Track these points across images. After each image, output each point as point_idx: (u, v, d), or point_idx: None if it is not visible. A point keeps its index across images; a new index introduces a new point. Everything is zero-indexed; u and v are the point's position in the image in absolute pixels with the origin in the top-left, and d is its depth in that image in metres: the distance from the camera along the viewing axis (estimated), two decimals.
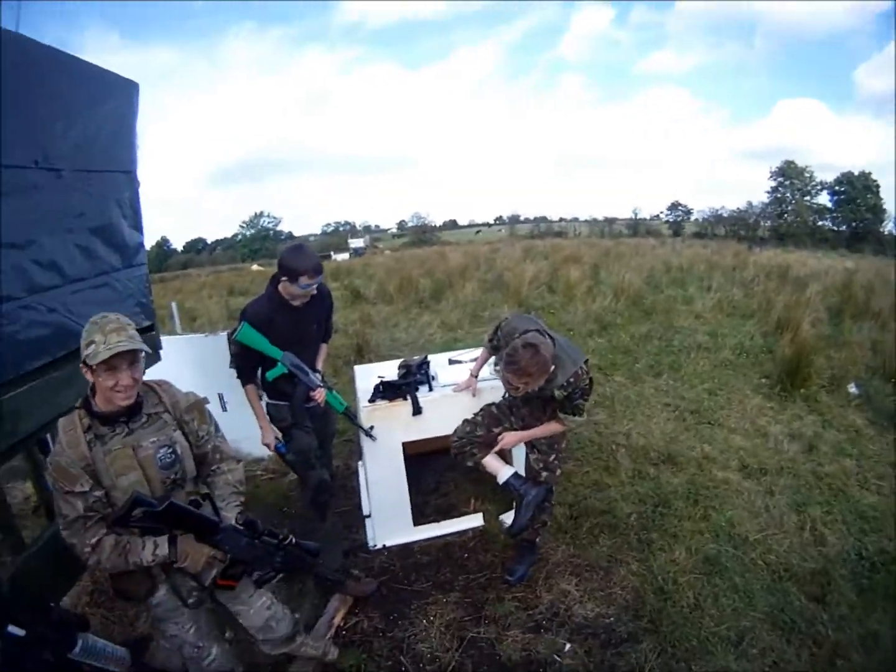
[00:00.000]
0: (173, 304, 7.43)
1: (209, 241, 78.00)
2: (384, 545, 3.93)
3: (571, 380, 2.99)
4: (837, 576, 3.57)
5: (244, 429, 4.19)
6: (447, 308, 9.88)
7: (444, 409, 3.67)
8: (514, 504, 3.45)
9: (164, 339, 4.14)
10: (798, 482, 4.54)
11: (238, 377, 3.30)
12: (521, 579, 3.56)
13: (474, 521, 4.11)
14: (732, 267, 12.14)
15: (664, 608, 3.34)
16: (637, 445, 5.09)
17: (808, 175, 55.22)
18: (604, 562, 3.73)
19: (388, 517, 3.91)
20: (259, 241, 71.51)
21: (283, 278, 2.99)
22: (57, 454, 1.93)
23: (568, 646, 3.13)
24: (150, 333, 3.45)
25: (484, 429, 3.37)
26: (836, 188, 53.47)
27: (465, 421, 3.43)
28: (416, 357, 4.14)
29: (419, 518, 4.06)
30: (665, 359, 7.04)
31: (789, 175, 55.52)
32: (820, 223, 53.65)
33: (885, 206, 51.04)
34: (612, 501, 4.29)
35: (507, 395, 3.41)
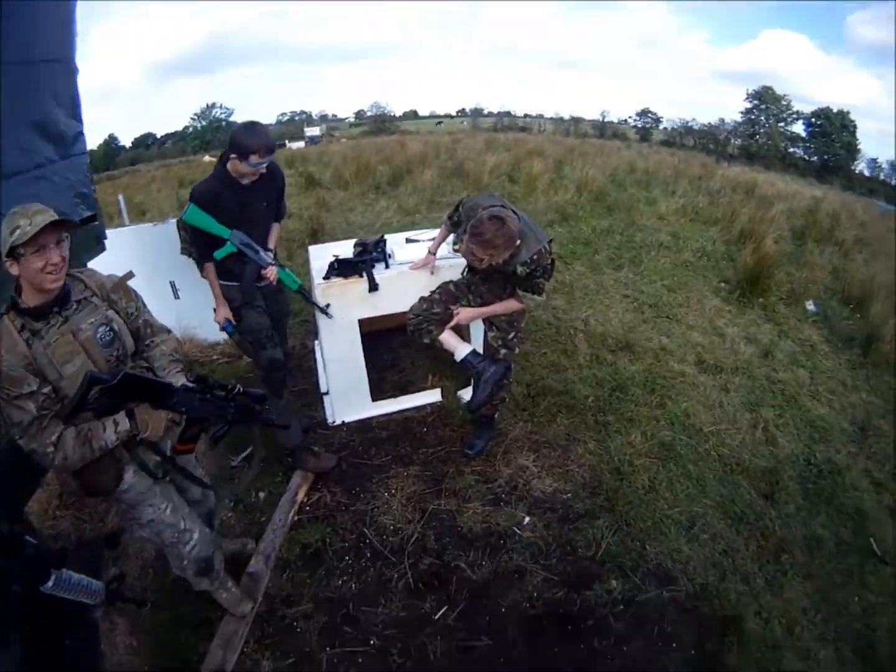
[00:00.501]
0: (120, 198, 6.86)
1: (158, 136, 72.72)
2: (343, 421, 3.87)
3: (535, 257, 2.86)
4: (786, 477, 3.61)
5: (198, 315, 4.27)
6: (405, 193, 9.41)
7: (401, 287, 3.53)
8: (472, 381, 3.34)
9: (112, 232, 4.07)
10: (752, 383, 4.52)
11: (195, 261, 3.14)
12: (479, 453, 3.50)
13: (432, 396, 4.05)
14: (699, 176, 11.88)
15: (620, 488, 3.31)
16: (595, 332, 4.95)
17: (784, 103, 54.33)
18: (561, 440, 3.66)
19: (346, 393, 3.84)
20: (211, 132, 66.74)
21: (233, 156, 2.81)
22: None
23: (527, 519, 3.11)
24: (92, 224, 3.30)
25: (441, 306, 3.23)
26: (813, 120, 52.80)
27: (422, 298, 3.29)
28: (372, 236, 3.92)
29: (377, 394, 3.96)
30: (626, 253, 6.81)
31: (766, 100, 54.57)
32: (791, 150, 53.40)
33: (859, 147, 51.14)
34: (570, 383, 4.18)
35: (465, 273, 3.31)
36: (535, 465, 3.45)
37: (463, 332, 3.52)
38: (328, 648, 2.53)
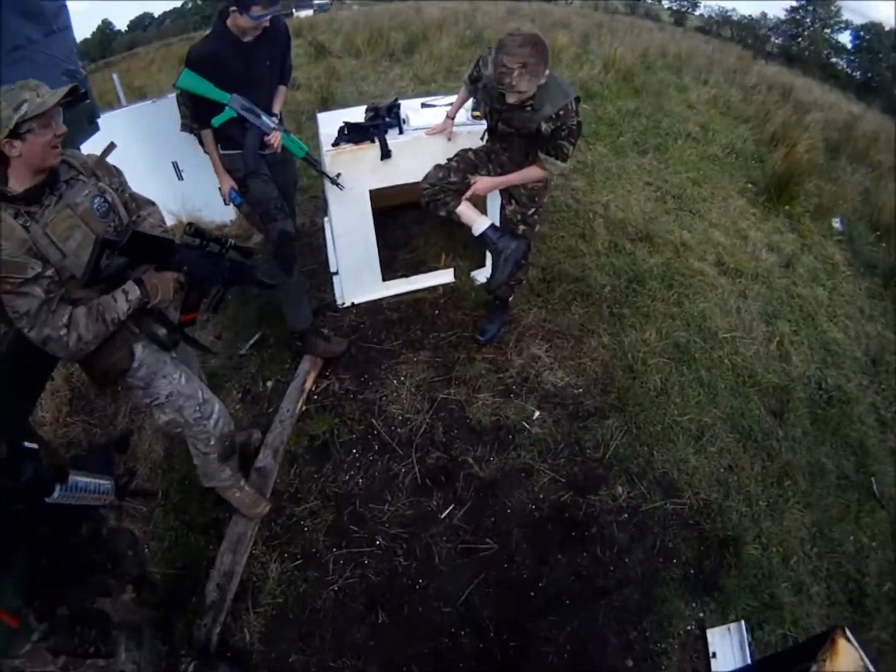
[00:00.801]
0: (115, 77, 6.26)
1: (156, 16, 67.17)
2: (353, 303, 3.68)
3: (561, 112, 2.51)
4: (796, 397, 3.47)
5: (202, 196, 4.19)
6: (420, 62, 8.72)
7: (416, 154, 3.19)
8: (491, 258, 3.02)
9: (109, 115, 3.94)
10: (771, 294, 4.29)
11: (191, 132, 3.02)
12: (491, 339, 3.32)
13: (445, 276, 3.80)
14: (734, 69, 11.05)
15: (632, 387, 3.14)
16: (615, 218, 4.61)
17: (834, 9, 51.33)
18: (575, 330, 3.46)
19: (356, 273, 3.59)
20: (212, 4, 61.71)
21: (233, 8, 2.55)
22: None
23: (537, 413, 2.99)
24: (84, 102, 3.02)
25: (459, 175, 2.88)
26: (861, 33, 50.06)
27: (438, 166, 2.92)
28: (384, 100, 3.52)
29: (388, 274, 3.73)
30: (651, 139, 6.35)
31: (813, 2, 51.66)
32: (834, 60, 50.88)
33: None
34: (587, 270, 3.91)
35: (485, 138, 2.99)
36: (548, 356, 3.26)
37: (480, 207, 3.17)
38: (334, 549, 2.48)
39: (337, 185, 3.08)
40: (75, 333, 1.73)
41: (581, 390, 3.11)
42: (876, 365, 4.12)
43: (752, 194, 5.71)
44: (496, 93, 2.54)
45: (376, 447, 2.82)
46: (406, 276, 3.76)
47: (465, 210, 2.90)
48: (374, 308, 3.61)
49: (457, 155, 2.93)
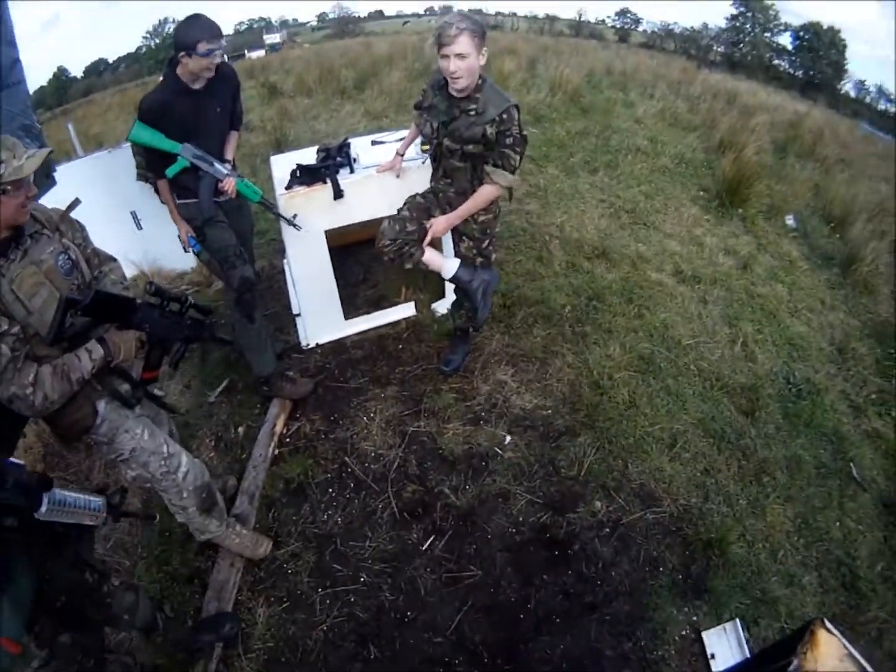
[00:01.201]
0: (69, 126, 6.27)
1: (111, 61, 67.79)
2: (317, 343, 3.67)
3: (504, 116, 2.56)
4: (766, 395, 3.51)
5: (162, 245, 4.12)
6: (371, 97, 8.86)
7: (368, 192, 3.27)
8: (463, 296, 3.09)
9: (66, 166, 4.01)
10: (731, 296, 4.36)
11: (147, 181, 3.07)
12: (456, 369, 3.33)
13: (406, 310, 3.82)
14: (678, 81, 11.38)
15: (600, 403, 3.16)
16: (571, 238, 4.68)
17: (772, 13, 52.62)
18: (539, 352, 3.48)
19: (318, 313, 3.61)
20: (165, 49, 62.03)
21: (181, 54, 2.58)
22: None
23: (508, 438, 3.00)
24: None
25: (414, 223, 2.90)
26: (801, 34, 51.34)
27: (392, 219, 2.92)
28: (335, 140, 3.58)
29: (350, 311, 3.74)
30: (601, 157, 6.48)
31: (752, 7, 52.89)
32: (776, 62, 52.10)
33: (847, 67, 49.89)
34: (546, 292, 3.95)
35: (433, 185, 3.01)
36: (514, 381, 3.28)
37: (437, 247, 3.20)
38: (320, 589, 2.46)
39: (294, 225, 3.09)
40: (41, 392, 1.70)
41: (550, 411, 3.11)
42: (842, 353, 4.20)
43: (705, 201, 5.83)
44: (442, 104, 2.65)
45: (352, 485, 2.81)
46: (368, 312, 3.77)
47: (431, 257, 2.95)
48: (338, 347, 3.61)
49: (406, 203, 2.95)
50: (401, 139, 3.30)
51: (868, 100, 48.48)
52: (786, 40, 51.83)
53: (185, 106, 2.65)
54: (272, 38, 56.18)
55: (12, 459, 1.57)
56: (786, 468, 3.09)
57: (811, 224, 6.03)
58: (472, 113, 2.57)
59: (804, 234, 5.75)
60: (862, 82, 49.76)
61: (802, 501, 2.97)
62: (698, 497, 2.81)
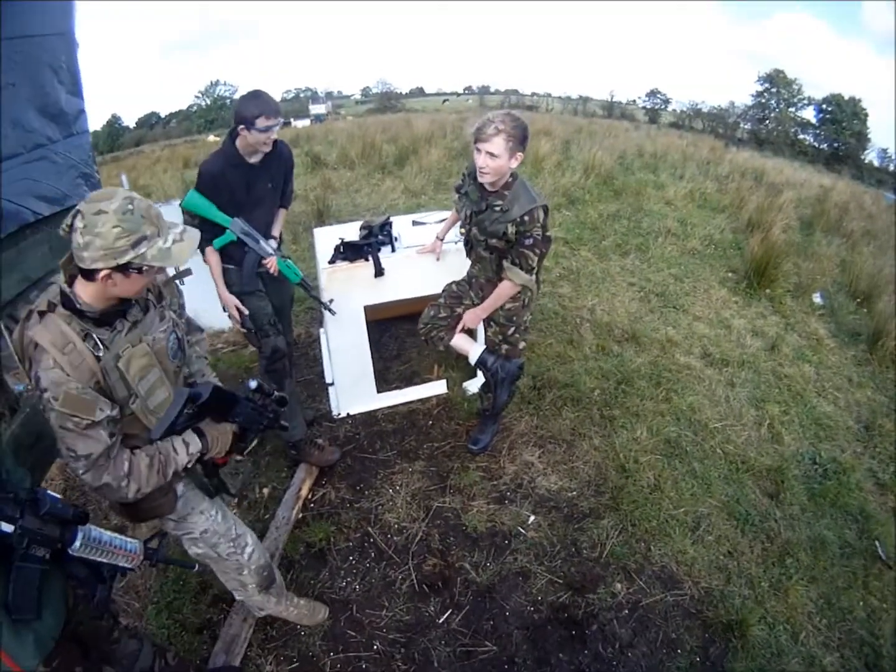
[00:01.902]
0: (123, 176, 6.68)
1: (163, 115, 71.93)
2: (348, 413, 3.80)
3: (526, 217, 2.68)
4: (791, 476, 3.57)
5: (203, 300, 4.08)
6: (411, 174, 9.22)
7: (407, 271, 3.46)
8: (487, 382, 3.27)
9: None
10: (758, 378, 4.47)
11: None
12: (484, 449, 3.45)
13: (438, 388, 3.97)
14: (707, 161, 11.73)
15: (625, 486, 3.27)
16: (601, 321, 4.89)
17: (796, 87, 53.54)
18: (567, 435, 3.62)
19: (351, 384, 3.73)
20: (215, 110, 65.91)
21: (240, 127, 2.69)
22: (59, 383, 1.45)
23: (532, 518, 3.09)
24: None
25: (447, 310, 3.19)
26: (824, 106, 52.01)
27: (430, 305, 3.23)
28: (378, 218, 3.80)
29: (382, 385, 3.91)
30: (633, 240, 6.74)
31: (777, 83, 53.83)
32: (801, 136, 52.73)
33: (869, 136, 50.27)
34: (576, 375, 4.12)
35: (469, 270, 3.20)
36: (541, 462, 3.42)
37: (473, 335, 3.48)
38: (331, 654, 2.49)
39: (329, 310, 3.27)
40: (135, 485, 1.59)
41: (575, 493, 3.23)
42: (869, 430, 4.22)
43: (733, 283, 6.00)
44: (474, 194, 2.81)
45: (373, 554, 2.90)
46: (400, 387, 3.93)
47: (459, 342, 3.21)
48: (369, 419, 3.75)
49: (443, 290, 3.23)
50: (441, 220, 3.53)
51: (892, 167, 48.38)
52: (810, 114, 52.84)
53: (238, 178, 2.79)
54: (317, 109, 58.52)
55: (49, 492, 1.54)
56: (810, 549, 3.13)
57: (838, 300, 6.13)
58: (498, 209, 2.72)
59: (831, 311, 5.85)
60: (885, 150, 49.88)
61: (826, 582, 2.99)
62: (720, 580, 2.86)
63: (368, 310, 3.52)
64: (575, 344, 4.52)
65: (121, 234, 1.42)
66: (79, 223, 1.41)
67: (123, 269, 1.47)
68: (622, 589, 2.76)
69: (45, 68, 2.81)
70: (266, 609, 2.36)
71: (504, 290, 2.94)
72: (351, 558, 2.89)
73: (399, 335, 4.50)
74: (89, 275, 1.47)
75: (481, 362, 3.14)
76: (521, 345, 3.21)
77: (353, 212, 7.55)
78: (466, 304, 3.17)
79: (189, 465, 1.74)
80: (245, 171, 2.81)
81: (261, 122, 2.64)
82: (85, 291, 1.52)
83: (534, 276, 2.88)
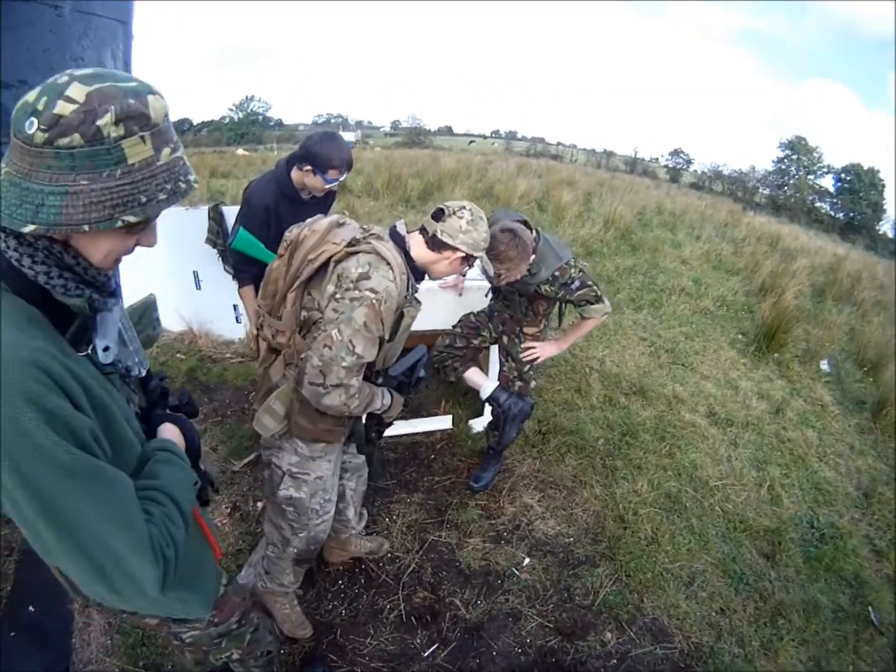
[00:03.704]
0: None
1: (195, 123, 73.61)
2: None
3: (556, 273, 2.80)
4: (788, 538, 3.59)
5: (217, 309, 4.25)
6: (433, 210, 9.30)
7: (428, 305, 3.38)
8: (495, 417, 3.31)
9: None
10: (761, 440, 4.52)
11: (214, 247, 3.25)
12: (485, 487, 3.48)
13: (443, 422, 4.01)
14: (725, 223, 11.92)
15: (623, 537, 3.30)
16: (610, 373, 4.97)
17: (816, 155, 54.42)
18: (568, 481, 3.66)
19: None
20: (247, 125, 67.95)
21: (307, 166, 2.66)
22: (391, 294, 1.75)
23: (527, 560, 3.10)
24: None
25: (463, 340, 3.27)
26: (842, 175, 52.87)
27: (445, 334, 3.32)
28: None
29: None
30: (647, 295, 6.86)
31: (798, 150, 54.70)
32: (818, 204, 53.23)
33: (885, 207, 50.73)
34: (581, 423, 4.18)
35: (489, 296, 3.30)
36: (540, 506, 3.46)
37: (481, 365, 3.53)
38: None
39: None
40: (357, 402, 1.78)
41: (572, 539, 3.26)
42: (868, 497, 4.24)
43: (743, 345, 6.09)
44: None
45: (363, 581, 2.88)
46: (405, 418, 3.90)
47: (472, 375, 3.28)
48: None
49: (460, 320, 3.30)
50: None
51: None
52: (828, 182, 53.38)
53: (288, 211, 2.73)
54: (347, 136, 59.40)
55: None
56: (803, 611, 3.13)
57: (844, 368, 6.19)
58: (527, 274, 2.78)
59: (837, 379, 5.90)
60: None
61: (817, 644, 2.99)
62: (711, 636, 2.87)
63: None
64: (583, 392, 4.60)
65: (486, 239, 2.01)
66: (468, 216, 1.95)
67: (466, 259, 2.00)
68: (612, 638, 2.77)
69: (107, 51, 2.83)
70: (274, 582, 2.38)
71: (589, 325, 3.13)
72: (340, 582, 2.89)
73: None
74: (440, 246, 1.95)
75: (494, 398, 3.20)
76: (533, 384, 3.32)
77: None
78: (484, 335, 3.26)
79: (379, 411, 2.00)
80: (295, 204, 2.78)
81: (332, 175, 2.65)
82: (418, 248, 1.98)
83: (607, 300, 2.96)
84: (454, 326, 3.31)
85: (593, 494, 3.58)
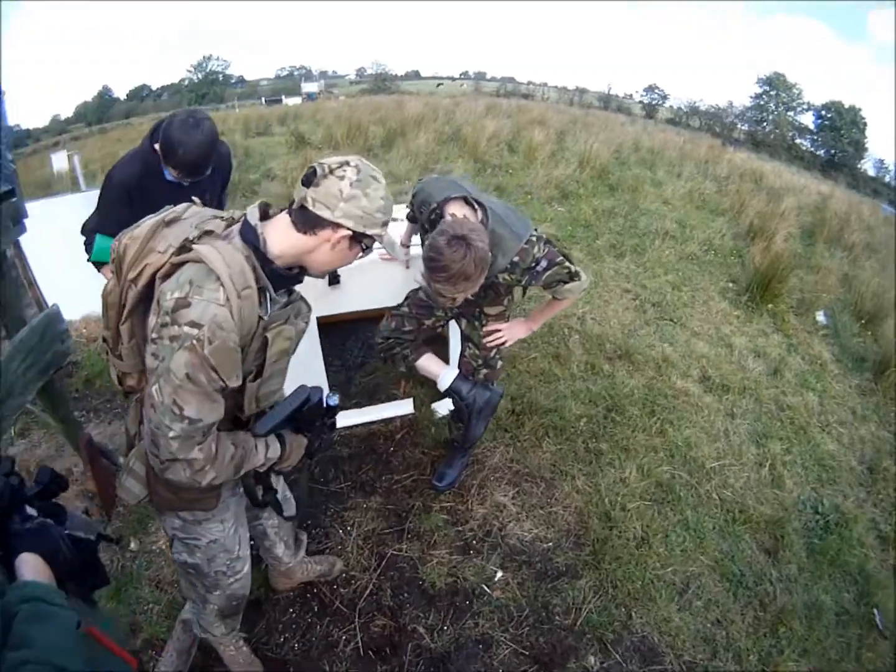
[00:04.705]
0: (76, 159, 6.20)
1: (154, 88, 70.76)
2: None
3: (516, 259, 2.21)
4: (791, 529, 3.22)
5: None
6: (397, 158, 8.73)
7: (369, 280, 2.92)
8: (458, 409, 2.76)
9: (64, 198, 3.84)
10: (760, 408, 4.10)
11: None
12: (450, 486, 2.99)
13: (404, 407, 3.47)
14: (706, 160, 11.28)
15: (609, 539, 2.87)
16: (592, 333, 4.46)
17: (795, 92, 53.92)
18: (546, 472, 3.19)
19: None
20: (207, 85, 65.30)
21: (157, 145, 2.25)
22: (222, 326, 1.21)
23: (499, 574, 2.68)
24: (10, 201, 2.63)
25: (413, 322, 2.63)
26: (823, 112, 52.27)
27: (391, 315, 2.67)
28: None
29: (342, 400, 3.29)
30: (628, 241, 6.32)
31: (776, 87, 54.09)
32: (798, 141, 52.85)
33: (867, 146, 50.45)
34: (561, 398, 3.69)
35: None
36: (514, 504, 2.99)
37: (440, 354, 2.89)
38: None
39: None
40: (213, 473, 1.33)
41: (551, 544, 2.82)
42: (873, 473, 3.91)
43: (734, 294, 5.62)
44: None
45: (315, 608, 2.49)
46: (360, 404, 3.44)
47: (426, 364, 2.68)
48: None
49: (407, 298, 2.68)
50: None
51: (888, 179, 48.85)
52: (808, 119, 53.22)
53: (159, 190, 2.24)
54: (310, 87, 58.34)
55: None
56: (805, 617, 2.77)
57: (841, 321, 5.77)
58: None
59: (835, 332, 5.50)
60: (881, 161, 50.32)
61: (818, 654, 2.65)
62: (705, 653, 2.51)
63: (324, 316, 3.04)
64: (562, 360, 4.08)
65: (376, 200, 1.32)
66: (351, 175, 1.29)
67: (356, 240, 1.36)
68: (595, 663, 2.39)
69: None
70: (209, 633, 2.04)
71: (564, 305, 2.60)
72: (291, 611, 2.48)
73: (367, 339, 3.94)
74: (312, 224, 1.32)
75: (455, 390, 2.64)
76: (500, 364, 2.77)
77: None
78: (438, 315, 2.64)
79: (262, 469, 1.53)
80: (174, 187, 2.29)
81: (170, 173, 2.25)
82: (281, 236, 1.35)
83: (584, 274, 2.38)
84: (400, 305, 2.69)
85: (575, 487, 3.11)
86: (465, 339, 2.72)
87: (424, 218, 2.35)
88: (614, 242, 6.24)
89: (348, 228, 1.31)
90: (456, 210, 2.18)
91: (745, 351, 4.71)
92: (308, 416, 1.55)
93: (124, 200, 2.29)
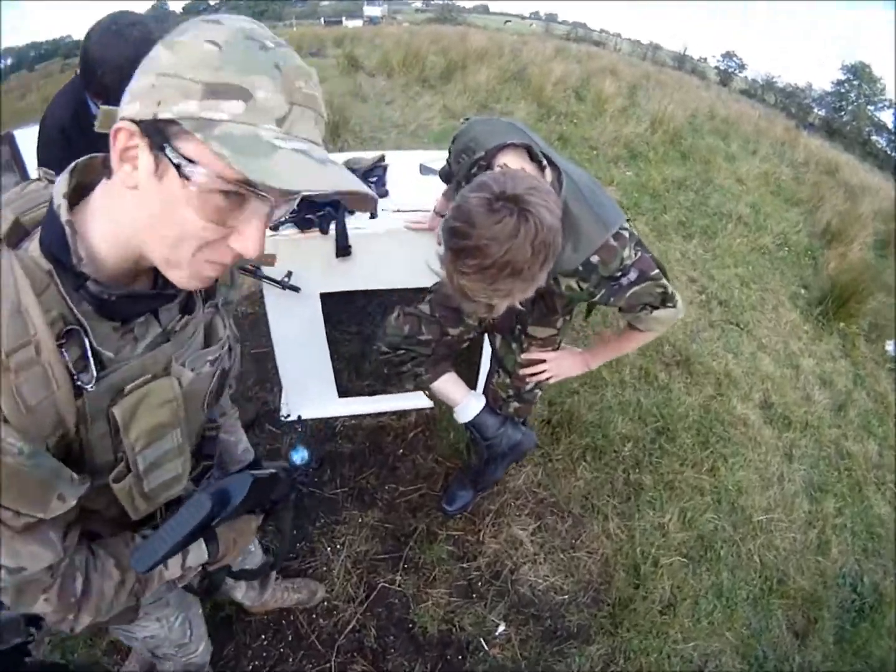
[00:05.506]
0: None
1: (212, 2, 67.89)
2: (299, 417, 2.88)
3: (595, 259, 1.40)
4: (825, 609, 2.80)
5: None
6: (454, 92, 8.08)
7: (386, 252, 2.22)
8: (479, 449, 2.15)
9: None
10: (819, 452, 3.63)
11: None
12: (462, 510, 2.55)
13: (420, 399, 2.79)
14: (782, 141, 10.42)
15: (633, 600, 2.47)
16: None
17: (879, 87, 51.18)
18: (577, 506, 2.76)
19: (304, 384, 2.76)
20: (265, 1, 61.55)
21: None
22: None
23: (501, 627, 2.30)
24: None
25: (434, 329, 1.78)
26: None
27: (403, 313, 1.81)
28: (367, 154, 2.52)
29: (348, 385, 2.83)
30: (698, 220, 5.75)
31: (860, 77, 51.36)
32: (874, 138, 50.24)
33: None
34: (605, 411, 3.25)
35: None
36: (533, 542, 2.58)
37: (463, 376, 2.10)
38: None
39: (291, 288, 2.21)
40: (88, 616, 0.85)
41: (566, 598, 2.43)
42: None
43: (805, 303, 5.07)
44: None
45: (290, 638, 2.18)
46: (371, 391, 2.87)
47: (445, 387, 1.89)
48: (324, 429, 2.89)
49: (430, 293, 1.83)
50: None
51: None
52: (888, 117, 50.67)
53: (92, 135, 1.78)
54: (373, 10, 56.22)
55: None
56: None
57: None
58: None
59: None
60: None
61: None
62: None
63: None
64: (613, 360, 3.55)
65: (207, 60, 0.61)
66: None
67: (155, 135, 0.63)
68: None
69: None
70: None
71: (642, 340, 1.82)
72: (263, 637, 2.17)
73: (392, 303, 3.40)
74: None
75: (477, 425, 1.89)
76: (538, 396, 2.06)
77: (377, 127, 6.55)
78: (469, 324, 1.80)
79: (179, 580, 1.04)
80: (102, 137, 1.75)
81: (94, 98, 1.74)
82: (106, 217, 0.73)
83: (680, 300, 1.58)
84: (418, 302, 1.84)
85: (605, 530, 2.69)
86: (495, 359, 2.03)
87: (463, 173, 1.53)
88: (683, 220, 5.69)
89: (130, 119, 0.64)
90: (511, 162, 1.39)
91: (811, 377, 4.21)
92: (250, 503, 0.99)
93: (61, 144, 1.82)
